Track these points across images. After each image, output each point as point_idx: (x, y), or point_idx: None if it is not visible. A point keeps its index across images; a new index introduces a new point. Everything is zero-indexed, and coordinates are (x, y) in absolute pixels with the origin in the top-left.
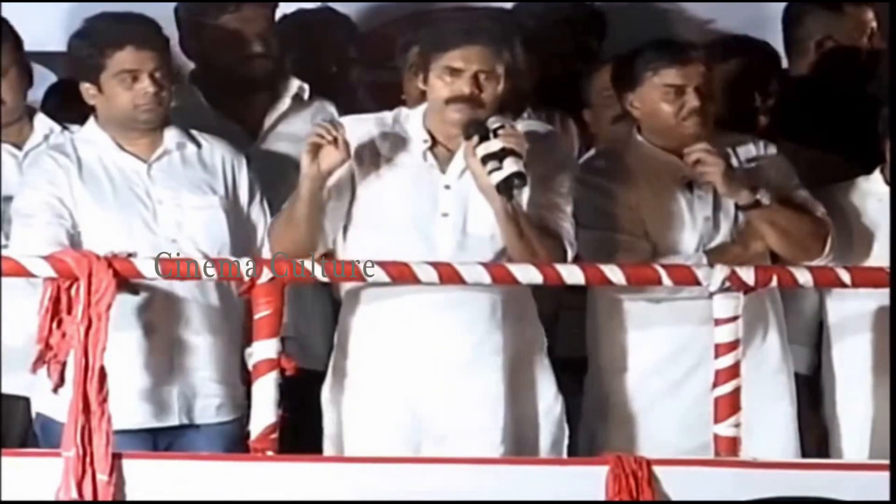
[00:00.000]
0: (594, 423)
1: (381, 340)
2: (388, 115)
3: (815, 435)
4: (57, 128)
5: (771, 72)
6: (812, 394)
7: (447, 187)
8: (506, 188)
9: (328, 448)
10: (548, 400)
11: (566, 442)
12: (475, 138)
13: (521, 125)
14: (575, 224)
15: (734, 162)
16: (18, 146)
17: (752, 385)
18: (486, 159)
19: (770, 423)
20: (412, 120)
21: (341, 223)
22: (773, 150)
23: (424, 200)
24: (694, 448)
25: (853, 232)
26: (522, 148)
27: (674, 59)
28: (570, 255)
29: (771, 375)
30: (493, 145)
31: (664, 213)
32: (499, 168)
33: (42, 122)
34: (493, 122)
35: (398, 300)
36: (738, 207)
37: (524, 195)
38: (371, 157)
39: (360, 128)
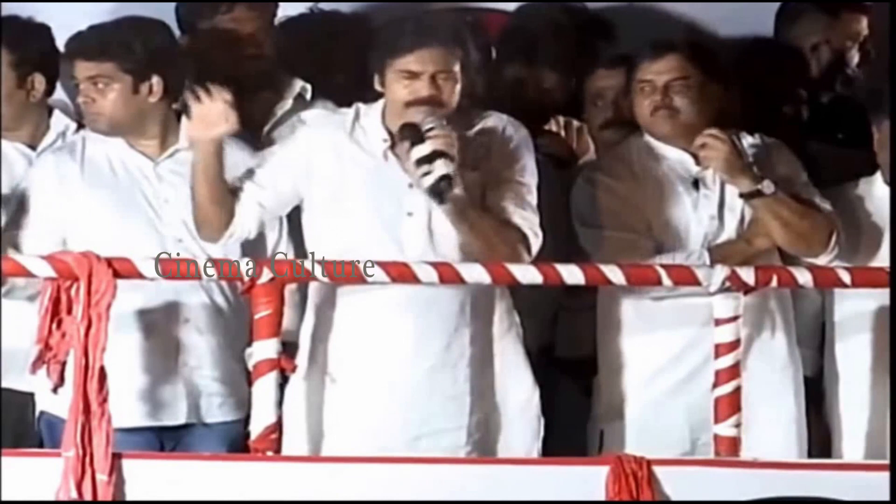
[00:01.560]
0: (602, 423)
1: (359, 335)
2: (348, 113)
3: (818, 435)
4: (73, 125)
5: (798, 75)
6: (815, 395)
7: (411, 186)
8: (435, 193)
9: (295, 446)
10: (524, 392)
11: (542, 434)
12: (407, 143)
13: (480, 124)
14: (582, 223)
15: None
16: (33, 146)
17: (755, 382)
18: (419, 163)
19: (769, 420)
20: (371, 117)
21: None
22: (783, 148)
23: (389, 200)
24: (701, 446)
25: (853, 233)
26: (452, 147)
27: (647, 56)
28: (534, 245)
29: (775, 373)
30: (424, 149)
31: (669, 211)
32: (430, 172)
33: (58, 119)
34: (426, 123)
35: (368, 294)
36: (741, 196)
37: (457, 189)
38: (333, 156)
39: (320, 128)
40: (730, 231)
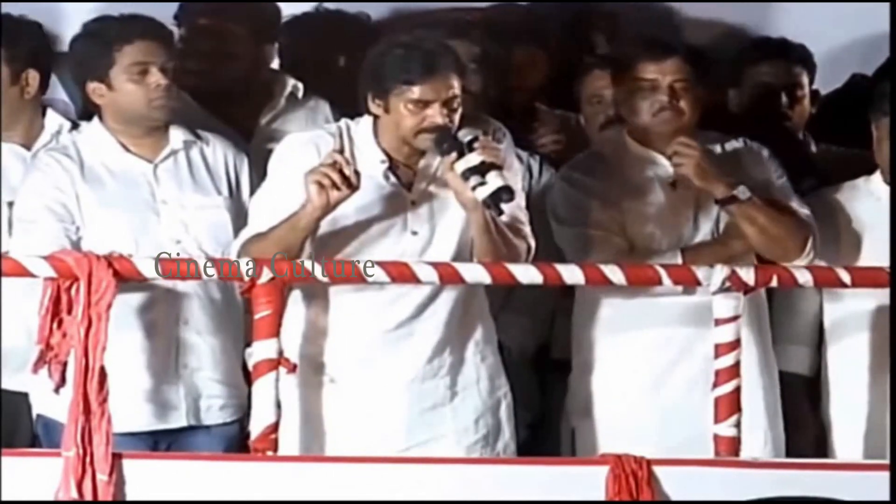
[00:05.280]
0: (573, 421)
1: (353, 342)
2: (339, 132)
3: (814, 435)
4: (67, 124)
5: (802, 77)
6: (812, 394)
7: (413, 204)
8: (494, 203)
9: (296, 444)
10: (506, 397)
11: (509, 436)
12: (453, 154)
13: (464, 131)
14: (557, 221)
15: (717, 158)
16: (28, 146)
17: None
18: (466, 174)
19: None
20: (361, 136)
21: None
22: (764, 151)
23: (392, 219)
24: (676, 445)
25: (850, 232)
26: (501, 159)
27: (649, 56)
28: (531, 251)
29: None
30: (473, 159)
31: (644, 211)
32: (483, 183)
33: (52, 119)
34: (464, 135)
35: (365, 294)
36: (716, 202)
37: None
38: None
39: (312, 148)
40: (705, 233)
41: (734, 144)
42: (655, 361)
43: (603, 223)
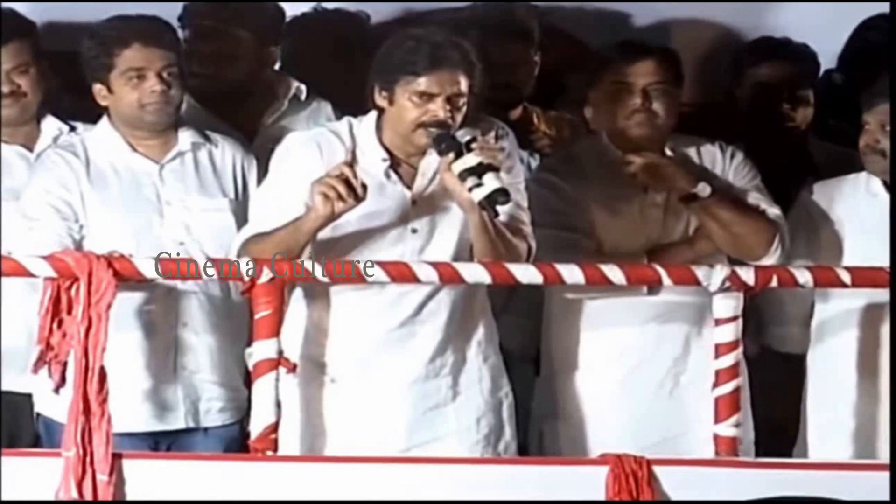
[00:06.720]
0: (543, 422)
1: (355, 342)
2: (342, 130)
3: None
4: (65, 128)
5: (805, 77)
6: (796, 373)
7: (414, 202)
8: (490, 205)
9: (295, 444)
10: (507, 397)
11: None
12: (451, 155)
13: (462, 131)
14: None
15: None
16: (29, 148)
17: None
18: (463, 175)
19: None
20: (364, 134)
21: None
22: (738, 154)
23: (393, 217)
24: (646, 447)
25: (848, 228)
26: (498, 160)
27: (623, 58)
28: (532, 252)
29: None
30: (470, 160)
31: (614, 213)
32: (479, 185)
33: (50, 123)
34: (463, 136)
35: (363, 295)
36: (679, 200)
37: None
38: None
39: (314, 147)
40: (675, 235)
41: (708, 147)
42: (622, 363)
43: (572, 225)
